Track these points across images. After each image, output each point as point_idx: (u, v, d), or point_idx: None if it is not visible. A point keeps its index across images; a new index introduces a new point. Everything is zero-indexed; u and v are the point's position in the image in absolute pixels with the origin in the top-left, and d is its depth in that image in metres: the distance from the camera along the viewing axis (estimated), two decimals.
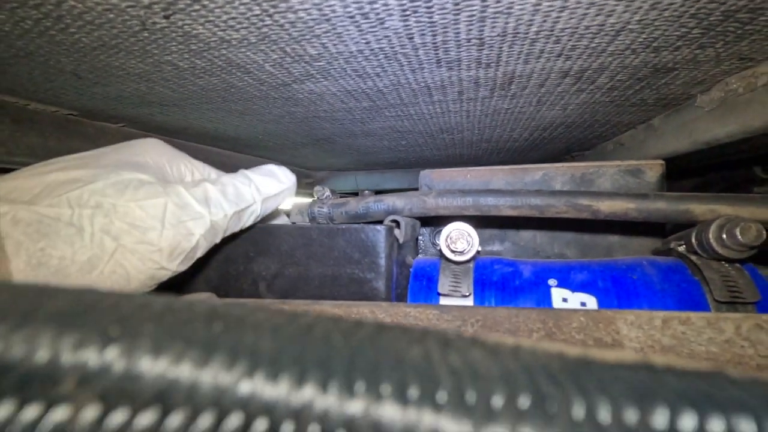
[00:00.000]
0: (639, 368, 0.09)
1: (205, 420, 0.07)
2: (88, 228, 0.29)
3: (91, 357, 0.08)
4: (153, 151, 0.38)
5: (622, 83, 0.57)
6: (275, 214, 0.49)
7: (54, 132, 0.66)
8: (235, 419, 0.07)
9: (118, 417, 0.07)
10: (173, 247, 0.32)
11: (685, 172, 1.04)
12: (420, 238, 0.60)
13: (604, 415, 0.08)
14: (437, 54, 0.45)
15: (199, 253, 0.35)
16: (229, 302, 0.10)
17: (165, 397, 0.07)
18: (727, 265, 0.38)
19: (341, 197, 0.53)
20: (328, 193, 0.52)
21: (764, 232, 0.34)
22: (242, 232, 0.43)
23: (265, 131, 0.84)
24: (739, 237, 0.35)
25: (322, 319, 0.10)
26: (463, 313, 0.34)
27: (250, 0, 0.32)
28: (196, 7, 0.33)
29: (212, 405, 0.07)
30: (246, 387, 0.08)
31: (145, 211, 0.31)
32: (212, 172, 0.42)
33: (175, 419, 0.07)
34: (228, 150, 1.09)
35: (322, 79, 0.52)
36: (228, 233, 0.37)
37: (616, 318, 0.32)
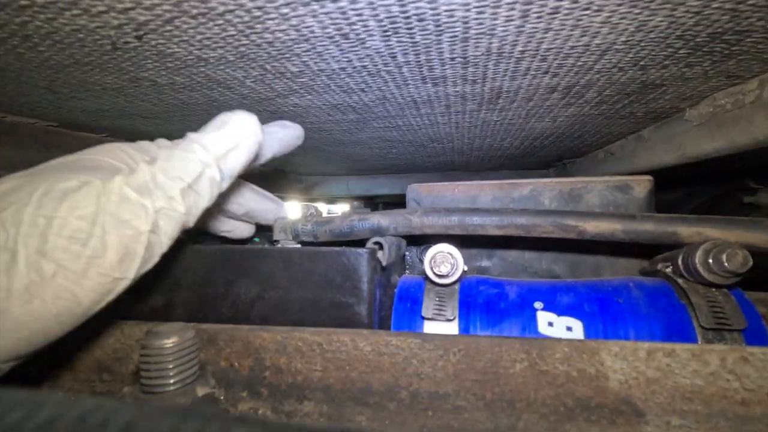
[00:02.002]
0: None
1: None
2: (23, 251, 0.26)
3: None
4: (104, 150, 0.35)
5: (610, 98, 0.56)
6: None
7: (33, 144, 0.64)
8: None
9: None
10: (122, 253, 0.28)
11: (675, 182, 1.04)
12: (407, 254, 0.59)
13: None
14: (422, 71, 0.44)
15: (161, 250, 0.31)
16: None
17: None
18: (714, 290, 0.37)
19: (325, 215, 0.52)
20: (313, 210, 0.50)
21: (750, 259, 0.34)
22: (221, 253, 0.42)
23: None
24: (726, 264, 0.34)
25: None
26: (445, 342, 0.33)
27: (224, 21, 0.31)
28: (169, 27, 0.32)
29: None
30: None
31: (83, 220, 0.27)
32: (161, 153, 0.35)
33: None
34: None
35: (306, 94, 0.51)
36: (195, 215, 0.33)
37: (600, 349, 0.31)
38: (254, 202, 0.50)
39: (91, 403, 0.09)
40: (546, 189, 0.56)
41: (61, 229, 0.27)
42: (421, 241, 0.57)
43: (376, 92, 0.51)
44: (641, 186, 0.53)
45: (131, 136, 0.75)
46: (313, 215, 0.50)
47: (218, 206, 0.47)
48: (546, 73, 0.45)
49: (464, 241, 0.58)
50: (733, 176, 0.96)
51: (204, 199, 0.33)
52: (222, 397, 0.36)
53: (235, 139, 0.34)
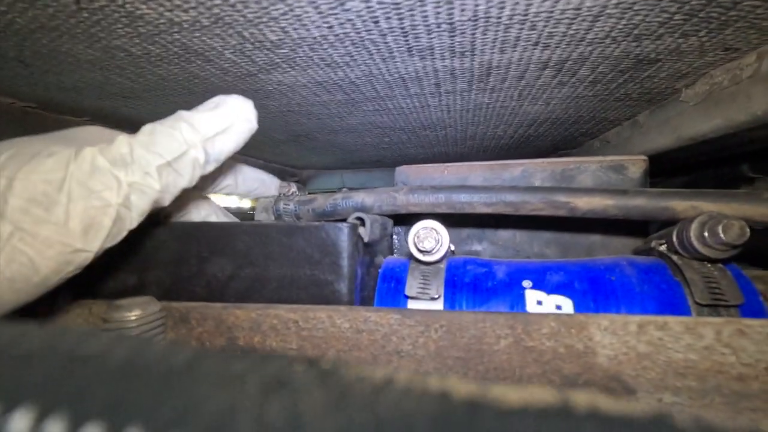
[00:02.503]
0: (550, 415, 0.06)
1: None
2: None
3: None
4: (86, 131, 0.34)
5: (604, 76, 0.55)
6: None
7: (10, 125, 0.62)
8: None
9: None
10: (86, 224, 0.27)
11: (672, 170, 1.03)
12: (395, 237, 0.57)
13: None
14: (407, 41, 0.42)
15: (130, 225, 0.30)
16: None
17: None
18: (709, 265, 0.35)
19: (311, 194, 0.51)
20: (294, 189, 0.49)
21: (747, 230, 0.32)
22: (194, 230, 0.40)
23: None
24: (722, 235, 0.32)
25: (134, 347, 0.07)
26: (426, 318, 0.32)
27: None
28: None
29: None
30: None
31: (49, 185, 0.26)
32: (145, 128, 0.34)
33: None
34: None
35: (289, 69, 0.50)
36: (173, 193, 0.31)
37: (588, 323, 0.29)
38: (253, 180, 0.49)
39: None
40: (538, 170, 0.54)
41: (22, 190, 0.26)
42: (410, 221, 0.55)
43: (362, 67, 0.49)
44: (636, 166, 0.52)
45: (114, 119, 0.73)
46: (295, 194, 0.48)
47: (215, 184, 0.46)
48: (536, 44, 0.44)
49: (453, 223, 0.57)
50: (730, 165, 0.94)
51: (184, 180, 0.32)
52: None
53: (226, 122, 0.33)
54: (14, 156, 0.27)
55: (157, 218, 0.41)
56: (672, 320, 0.28)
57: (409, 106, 0.68)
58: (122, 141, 0.29)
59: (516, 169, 0.55)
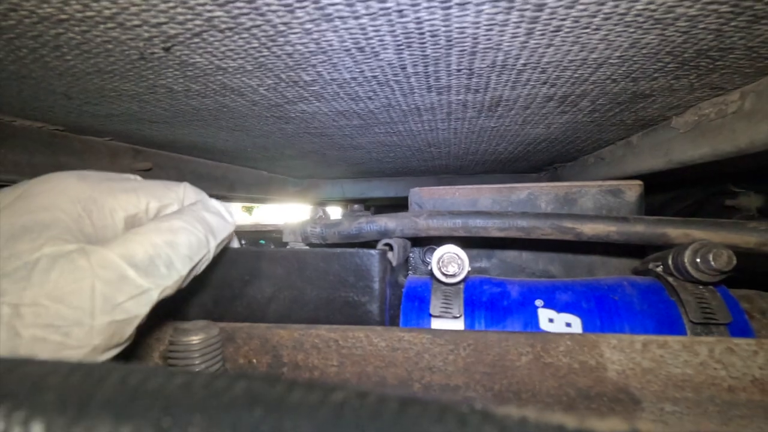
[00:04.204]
0: None
1: None
2: None
3: None
4: (63, 195, 0.27)
5: (602, 106, 0.59)
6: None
7: (40, 147, 0.65)
8: None
9: None
10: (108, 340, 0.24)
11: (662, 185, 1.08)
12: (411, 256, 0.61)
13: None
14: (428, 81, 0.46)
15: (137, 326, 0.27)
16: (259, 377, 0.11)
17: None
18: (701, 287, 0.40)
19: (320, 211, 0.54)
20: (321, 213, 0.52)
21: (734, 258, 0.37)
22: (237, 255, 0.43)
23: (255, 145, 0.85)
24: (712, 263, 0.37)
25: (350, 395, 0.11)
26: (455, 337, 0.36)
27: (249, 35, 0.33)
28: (196, 40, 0.34)
29: None
30: None
31: (65, 303, 0.22)
32: (151, 200, 0.31)
33: None
34: (215, 161, 1.08)
35: (315, 101, 0.53)
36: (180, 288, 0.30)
37: (599, 342, 0.34)
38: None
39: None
40: (543, 193, 0.58)
41: (36, 317, 0.22)
42: (424, 242, 0.59)
43: (383, 100, 0.53)
44: (632, 190, 0.56)
45: (135, 139, 0.76)
46: (321, 218, 0.52)
47: None
48: (545, 83, 0.48)
49: (464, 243, 0.61)
50: (715, 181, 1.00)
51: (187, 281, 0.30)
52: None
53: (229, 230, 0.34)
54: (12, 275, 0.22)
55: None
56: (671, 339, 0.33)
57: (419, 129, 0.72)
58: (150, 239, 0.26)
59: (522, 192, 0.59)
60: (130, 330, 0.25)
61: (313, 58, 0.38)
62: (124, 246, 0.25)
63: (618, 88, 0.51)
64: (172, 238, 0.28)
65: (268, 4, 0.28)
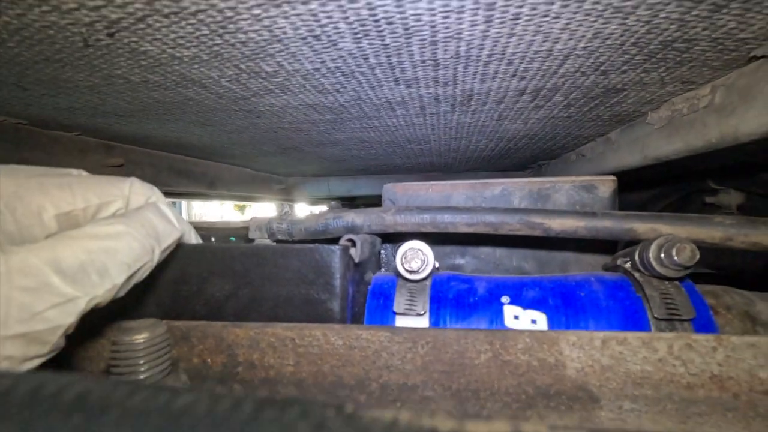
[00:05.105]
0: None
1: None
2: None
3: None
4: None
5: (576, 101, 0.59)
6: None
7: (2, 142, 0.63)
8: None
9: None
10: (24, 350, 0.22)
11: (645, 183, 1.08)
12: (383, 252, 0.60)
13: None
14: (394, 73, 0.45)
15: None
16: (95, 380, 0.10)
17: None
18: (667, 282, 0.39)
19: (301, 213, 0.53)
20: (287, 209, 0.51)
21: (697, 253, 0.36)
22: (194, 251, 0.42)
23: (230, 140, 0.83)
24: (675, 257, 0.36)
25: (200, 398, 0.10)
26: (413, 335, 0.35)
27: (197, 20, 0.32)
28: (141, 25, 0.32)
29: None
30: None
31: None
32: (91, 197, 0.29)
33: None
34: (194, 157, 1.06)
35: (282, 94, 0.52)
36: (116, 297, 0.28)
37: (559, 339, 0.33)
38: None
39: (46, 376, 0.10)
40: (516, 189, 0.58)
41: None
42: (396, 239, 0.58)
43: (351, 93, 0.52)
44: (605, 185, 0.56)
45: (106, 134, 0.74)
46: (288, 213, 0.51)
47: None
48: (513, 76, 0.47)
49: (439, 240, 0.60)
50: (696, 178, 1.00)
51: (126, 289, 0.28)
52: None
53: (175, 236, 0.31)
54: None
55: None
56: (631, 336, 0.32)
57: (395, 124, 0.71)
58: (82, 245, 0.24)
59: (496, 187, 0.58)
60: (53, 339, 0.23)
61: (269, 47, 0.37)
62: (52, 249, 0.23)
63: (589, 82, 0.50)
64: (112, 243, 0.26)
65: None
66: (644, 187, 1.11)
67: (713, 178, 0.98)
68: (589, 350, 0.32)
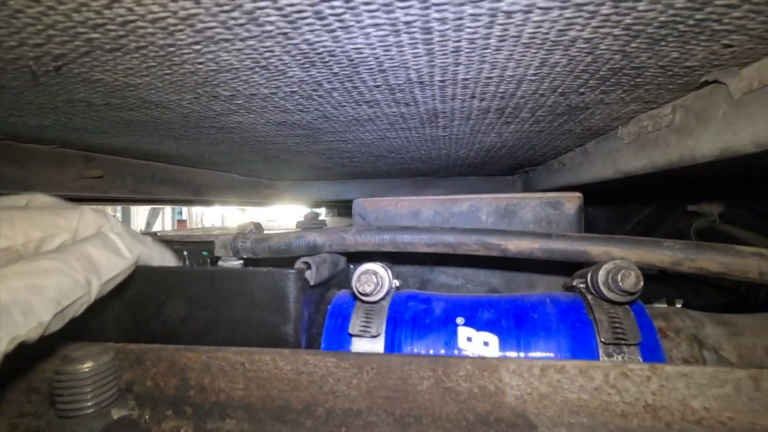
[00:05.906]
0: None
1: None
2: None
3: None
4: None
5: (544, 117, 0.59)
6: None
7: None
8: None
9: None
10: None
11: (626, 191, 1.09)
12: (352, 268, 0.60)
13: None
14: (352, 96, 0.46)
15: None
16: None
17: None
18: (617, 306, 0.40)
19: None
20: (251, 227, 0.52)
21: (642, 279, 0.36)
22: (153, 274, 0.43)
23: (210, 151, 0.84)
24: (620, 283, 0.37)
25: None
26: (359, 360, 0.35)
27: (141, 55, 0.32)
28: (87, 59, 0.33)
29: None
30: None
31: None
32: (32, 231, 0.29)
33: None
34: (177, 165, 1.07)
35: (247, 114, 0.52)
36: (47, 334, 0.28)
37: (499, 366, 0.33)
38: None
39: None
40: (483, 205, 0.58)
41: None
42: (360, 258, 0.58)
43: (315, 112, 0.52)
44: (571, 202, 0.56)
45: (84, 146, 0.74)
46: (252, 232, 0.51)
47: None
48: (473, 97, 0.48)
49: (408, 258, 0.60)
50: (678, 187, 1.00)
51: (63, 323, 0.28)
52: (147, 417, 0.37)
53: (123, 265, 0.32)
54: None
55: None
56: (569, 364, 0.32)
57: (369, 138, 0.71)
58: (2, 284, 0.24)
59: (464, 203, 0.59)
60: None
61: (219, 75, 0.38)
62: None
63: (551, 102, 0.51)
64: (38, 281, 0.25)
65: (143, 27, 0.28)
66: (627, 197, 1.11)
67: (695, 188, 0.98)
68: (528, 378, 0.33)
